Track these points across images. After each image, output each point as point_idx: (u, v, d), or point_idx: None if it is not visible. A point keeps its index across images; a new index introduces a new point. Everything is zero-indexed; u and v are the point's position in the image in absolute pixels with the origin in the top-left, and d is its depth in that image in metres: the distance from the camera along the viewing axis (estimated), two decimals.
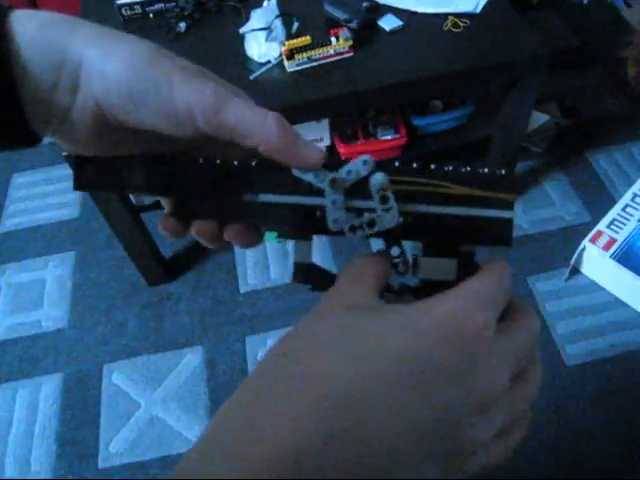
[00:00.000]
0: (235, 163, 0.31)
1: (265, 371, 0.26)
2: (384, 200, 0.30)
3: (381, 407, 0.23)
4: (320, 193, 0.31)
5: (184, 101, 0.27)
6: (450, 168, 0.31)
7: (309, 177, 0.30)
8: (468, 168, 0.31)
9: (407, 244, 0.32)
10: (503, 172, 0.31)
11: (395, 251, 0.32)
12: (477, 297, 0.26)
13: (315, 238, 0.33)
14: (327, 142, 1.30)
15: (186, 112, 0.28)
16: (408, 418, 0.23)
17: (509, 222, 0.31)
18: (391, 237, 0.32)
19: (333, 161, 0.31)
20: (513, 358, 0.27)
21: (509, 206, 0.31)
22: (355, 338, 0.25)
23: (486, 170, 0.31)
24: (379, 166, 0.30)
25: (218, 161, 0.31)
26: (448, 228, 0.31)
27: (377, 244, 0.32)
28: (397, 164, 0.31)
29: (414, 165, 0.31)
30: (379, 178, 0.30)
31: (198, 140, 0.30)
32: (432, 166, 0.31)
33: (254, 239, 0.33)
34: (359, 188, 0.30)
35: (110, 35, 0.29)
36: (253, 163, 0.31)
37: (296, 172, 0.30)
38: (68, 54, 0.27)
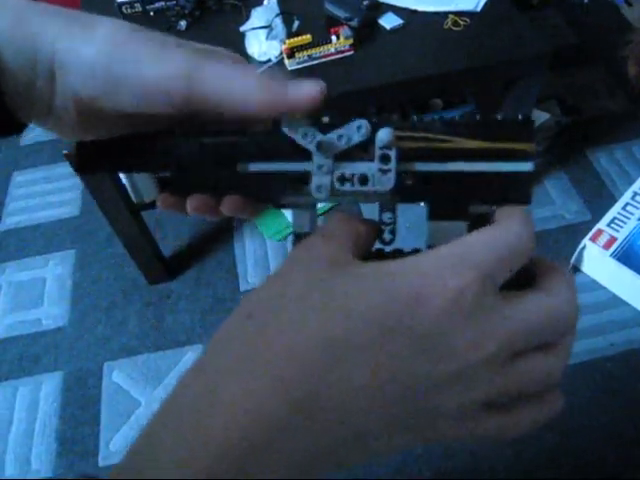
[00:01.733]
0: (228, 133, 0.30)
1: (228, 335, 0.25)
2: (384, 159, 0.27)
3: (347, 371, 0.22)
4: (310, 158, 0.28)
5: (154, 77, 0.26)
6: (461, 119, 0.28)
7: (298, 136, 0.28)
8: (478, 117, 0.28)
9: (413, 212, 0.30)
10: (520, 118, 0.27)
11: (386, 217, 0.29)
12: (459, 257, 0.23)
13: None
14: None
15: (158, 88, 0.27)
16: (374, 383, 0.22)
17: (528, 175, 0.27)
18: (386, 201, 0.29)
19: (328, 122, 0.28)
20: (512, 332, 0.24)
21: (527, 157, 0.27)
22: (320, 297, 0.23)
23: (500, 117, 0.27)
24: (382, 122, 0.27)
25: (211, 133, 0.30)
26: (456, 186, 0.28)
27: (368, 209, 0.30)
28: (400, 118, 0.27)
29: (421, 118, 0.28)
30: (385, 133, 0.27)
31: (184, 115, 0.29)
32: (441, 118, 0.28)
33: (252, 211, 0.32)
34: (353, 154, 0.28)
35: (80, 21, 0.28)
36: (245, 132, 0.29)
37: (285, 129, 0.28)
38: (40, 48, 0.27)
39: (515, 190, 0.27)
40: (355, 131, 0.27)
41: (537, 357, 0.25)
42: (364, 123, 0.27)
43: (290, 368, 0.22)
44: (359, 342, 0.22)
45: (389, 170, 0.27)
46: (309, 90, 0.27)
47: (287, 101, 0.27)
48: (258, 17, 1.13)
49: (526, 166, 0.27)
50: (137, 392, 1.25)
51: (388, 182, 0.27)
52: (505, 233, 0.25)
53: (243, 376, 0.22)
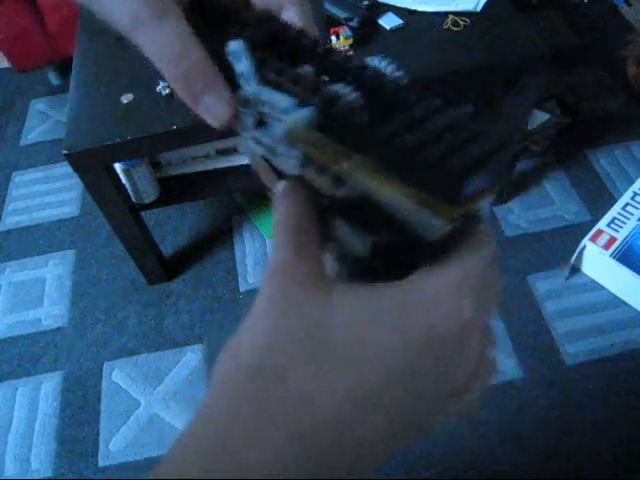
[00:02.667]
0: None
1: (238, 389, 0.22)
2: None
3: (369, 426, 0.21)
4: None
5: (114, 15, 0.26)
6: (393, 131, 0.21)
7: (236, 51, 0.25)
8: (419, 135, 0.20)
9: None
10: (457, 165, 0.19)
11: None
12: (461, 289, 0.22)
13: None
14: None
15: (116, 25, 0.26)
16: (393, 424, 0.22)
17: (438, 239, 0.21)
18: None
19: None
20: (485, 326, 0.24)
21: (445, 216, 0.21)
22: (318, 349, 0.22)
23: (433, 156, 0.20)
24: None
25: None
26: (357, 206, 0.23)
27: None
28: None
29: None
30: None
31: None
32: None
33: None
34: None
35: None
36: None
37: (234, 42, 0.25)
38: None
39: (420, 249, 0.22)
40: (280, 109, 0.23)
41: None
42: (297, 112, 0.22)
43: (308, 435, 0.21)
44: (376, 399, 0.21)
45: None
46: (215, 112, 0.26)
47: (199, 111, 0.27)
48: None
49: (437, 228, 0.21)
50: (137, 392, 1.24)
51: (282, 134, 0.24)
52: (480, 258, 0.24)
53: (259, 442, 0.21)
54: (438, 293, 0.22)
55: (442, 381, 0.23)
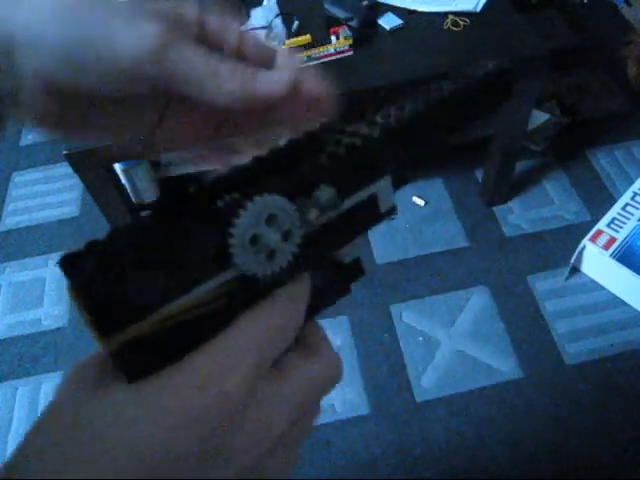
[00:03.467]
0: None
1: None
2: None
3: None
4: None
5: (127, 51, 0.23)
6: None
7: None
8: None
9: None
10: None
11: None
12: (221, 358, 0.21)
13: None
14: None
15: (132, 63, 0.23)
16: None
17: None
18: None
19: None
20: (292, 406, 0.23)
21: None
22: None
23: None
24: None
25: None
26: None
27: None
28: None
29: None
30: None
31: (161, 97, 0.26)
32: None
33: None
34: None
35: None
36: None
37: None
38: None
39: None
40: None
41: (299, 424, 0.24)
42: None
43: None
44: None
45: None
46: (277, 82, 0.24)
47: (257, 94, 0.24)
48: (258, 17, 1.13)
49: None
50: None
51: None
52: (268, 315, 0.22)
53: None
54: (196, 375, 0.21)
55: (215, 458, 0.21)
